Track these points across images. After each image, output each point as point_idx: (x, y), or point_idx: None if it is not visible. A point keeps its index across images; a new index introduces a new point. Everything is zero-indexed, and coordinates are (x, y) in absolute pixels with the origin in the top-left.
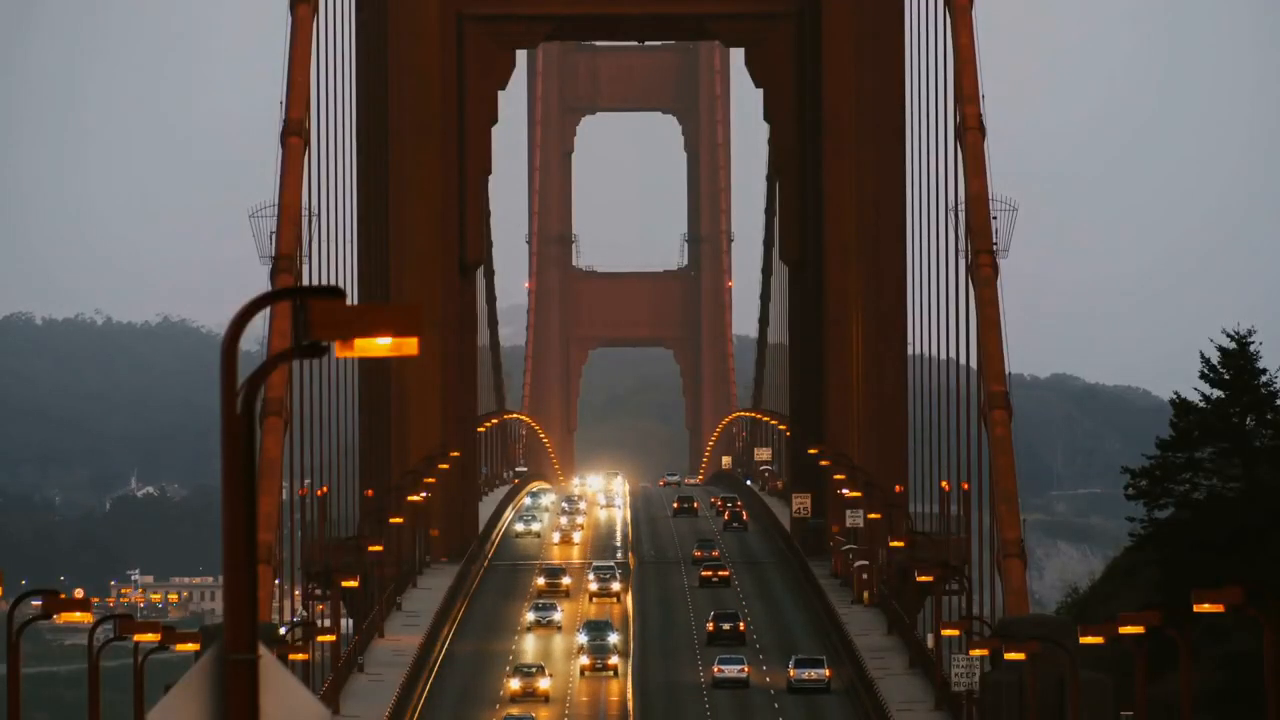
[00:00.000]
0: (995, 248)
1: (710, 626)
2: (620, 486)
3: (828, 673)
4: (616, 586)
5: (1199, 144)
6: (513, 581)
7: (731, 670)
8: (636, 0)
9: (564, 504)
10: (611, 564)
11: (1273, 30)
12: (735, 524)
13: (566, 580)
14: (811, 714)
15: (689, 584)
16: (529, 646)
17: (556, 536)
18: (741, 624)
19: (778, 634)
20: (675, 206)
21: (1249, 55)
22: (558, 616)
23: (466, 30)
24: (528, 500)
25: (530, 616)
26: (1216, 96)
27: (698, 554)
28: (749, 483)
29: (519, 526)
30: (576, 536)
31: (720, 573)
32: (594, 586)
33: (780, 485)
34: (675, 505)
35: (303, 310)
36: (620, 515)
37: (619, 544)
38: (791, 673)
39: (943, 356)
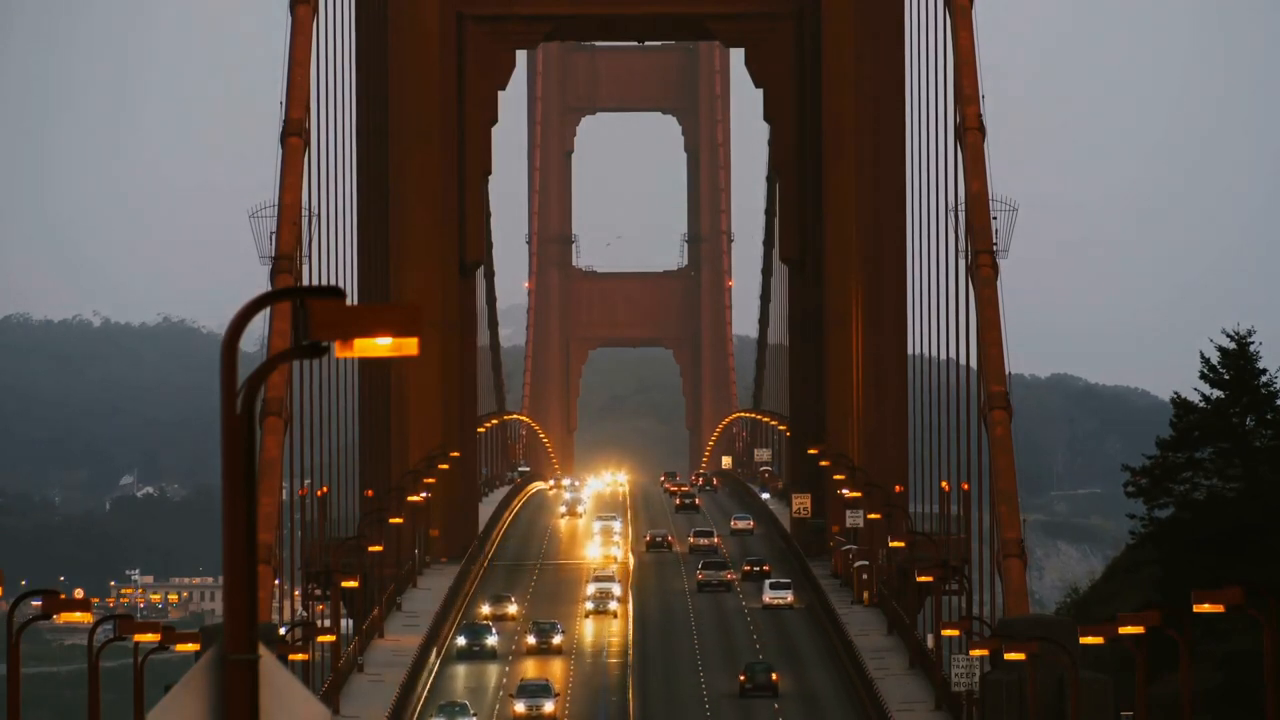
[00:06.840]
0: (995, 248)
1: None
2: (619, 532)
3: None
4: None
5: (1200, 144)
6: None
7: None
8: (636, 0)
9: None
10: None
11: None
12: (707, 486)
13: None
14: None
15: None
16: None
17: None
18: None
19: (778, 633)
20: (675, 206)
21: (1261, 58)
22: None
23: (466, 30)
24: (469, 635)
25: None
26: (1219, 98)
27: (669, 482)
28: (763, 495)
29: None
30: (549, 705)
31: (683, 487)
32: None
33: (780, 485)
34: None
35: (303, 310)
36: (617, 604)
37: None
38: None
39: (943, 356)
